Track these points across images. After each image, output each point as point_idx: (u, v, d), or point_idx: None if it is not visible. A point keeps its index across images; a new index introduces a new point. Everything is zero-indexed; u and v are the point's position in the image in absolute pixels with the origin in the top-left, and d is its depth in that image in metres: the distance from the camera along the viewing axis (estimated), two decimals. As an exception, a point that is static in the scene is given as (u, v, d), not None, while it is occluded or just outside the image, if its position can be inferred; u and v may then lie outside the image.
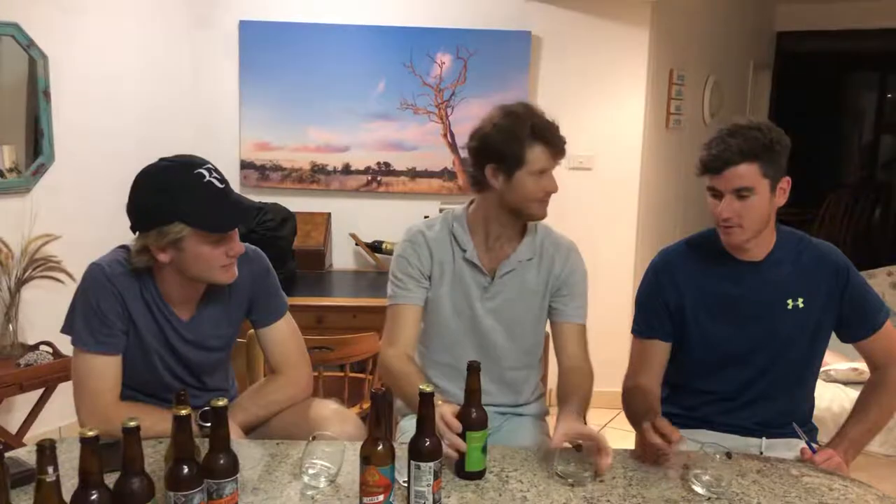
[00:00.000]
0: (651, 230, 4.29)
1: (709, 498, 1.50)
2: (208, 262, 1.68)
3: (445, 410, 1.58)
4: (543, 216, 1.95)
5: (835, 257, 1.90)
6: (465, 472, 1.56)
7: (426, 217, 2.16)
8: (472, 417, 1.55)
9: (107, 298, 1.69)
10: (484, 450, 1.56)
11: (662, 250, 2.02)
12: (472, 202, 2.01)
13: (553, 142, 1.84)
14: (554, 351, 2.04)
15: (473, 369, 1.55)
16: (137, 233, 1.68)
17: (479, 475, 1.56)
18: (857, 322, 1.89)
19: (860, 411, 1.90)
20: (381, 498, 1.38)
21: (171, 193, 1.63)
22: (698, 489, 1.52)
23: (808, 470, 1.66)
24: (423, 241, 1.99)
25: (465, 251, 1.97)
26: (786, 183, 1.80)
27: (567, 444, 1.60)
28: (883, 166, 8.83)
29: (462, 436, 1.54)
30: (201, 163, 1.68)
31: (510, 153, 1.83)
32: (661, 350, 1.96)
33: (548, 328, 2.07)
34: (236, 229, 1.72)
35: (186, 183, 1.64)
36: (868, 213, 8.00)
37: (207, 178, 1.65)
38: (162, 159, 1.70)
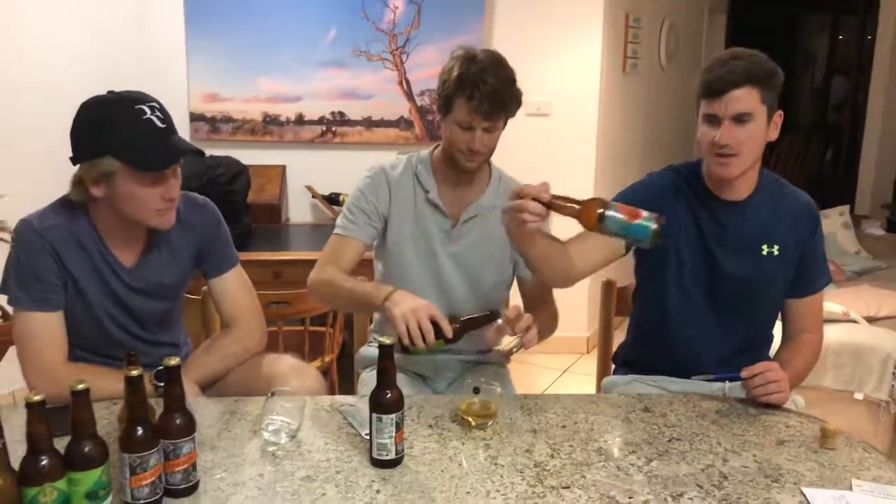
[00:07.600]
0: (609, 176, 4.29)
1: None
2: (141, 203, 1.62)
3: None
4: (470, 169, 1.90)
5: (811, 209, 1.88)
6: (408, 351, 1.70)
7: None
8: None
9: (38, 253, 1.62)
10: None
11: (652, 174, 1.92)
12: (437, 146, 1.98)
13: (476, 100, 1.75)
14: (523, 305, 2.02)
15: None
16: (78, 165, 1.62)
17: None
18: (802, 278, 1.87)
19: (784, 362, 1.80)
20: None
21: (105, 126, 1.57)
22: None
23: (766, 408, 1.68)
24: (384, 179, 1.96)
25: (427, 192, 1.94)
26: (779, 117, 1.77)
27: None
28: (834, 108, 8.93)
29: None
30: (146, 100, 1.61)
31: (443, 94, 1.82)
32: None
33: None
34: (178, 173, 1.66)
35: (123, 117, 1.57)
36: (820, 156, 8.12)
37: (148, 115, 1.58)
38: (109, 92, 1.63)
